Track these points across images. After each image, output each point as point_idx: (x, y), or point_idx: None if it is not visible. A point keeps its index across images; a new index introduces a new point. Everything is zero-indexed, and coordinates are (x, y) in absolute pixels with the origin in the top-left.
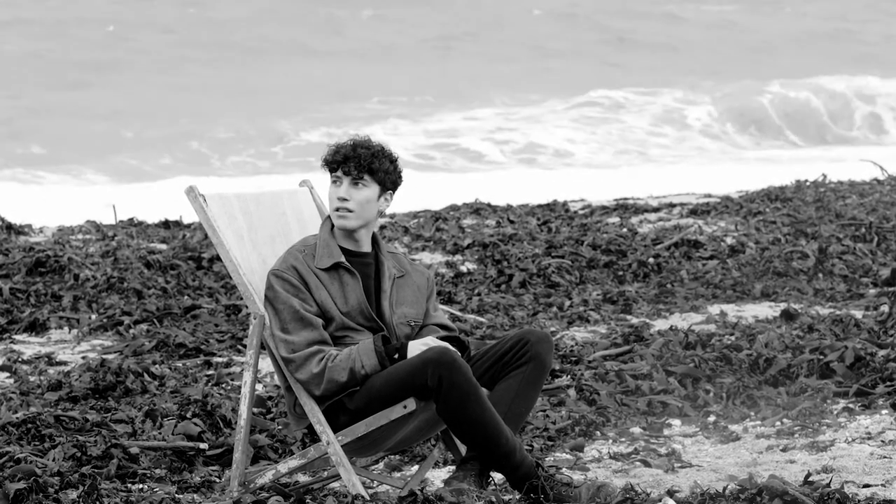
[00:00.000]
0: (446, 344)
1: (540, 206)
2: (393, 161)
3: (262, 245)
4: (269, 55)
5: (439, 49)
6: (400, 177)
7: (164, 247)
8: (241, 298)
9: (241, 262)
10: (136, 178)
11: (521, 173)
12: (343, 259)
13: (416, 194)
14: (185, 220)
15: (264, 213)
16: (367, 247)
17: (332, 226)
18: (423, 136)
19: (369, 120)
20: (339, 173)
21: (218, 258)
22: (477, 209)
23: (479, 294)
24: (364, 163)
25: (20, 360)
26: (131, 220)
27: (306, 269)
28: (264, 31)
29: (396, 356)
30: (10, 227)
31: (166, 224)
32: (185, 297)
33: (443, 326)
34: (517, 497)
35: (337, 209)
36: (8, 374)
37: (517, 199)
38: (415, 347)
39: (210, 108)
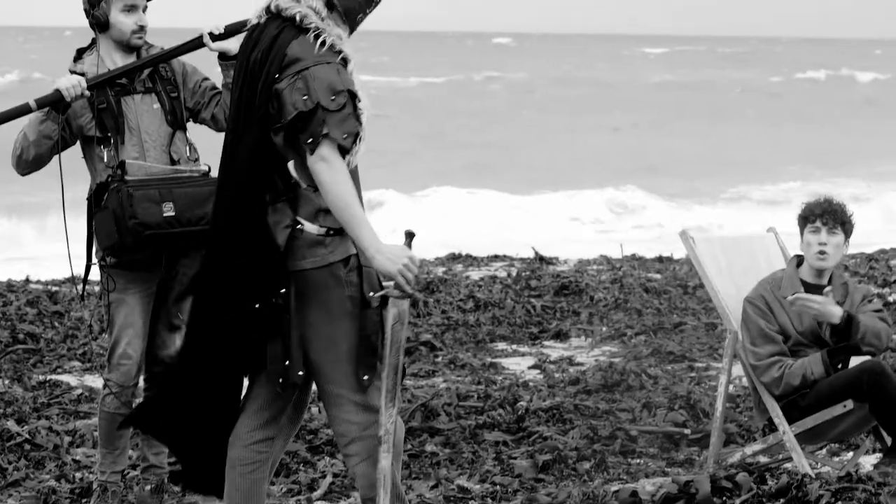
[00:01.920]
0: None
1: None
2: (851, 215)
3: (737, 277)
4: None
5: None
6: (853, 227)
7: (658, 276)
8: (719, 318)
9: (720, 289)
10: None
11: None
12: (802, 292)
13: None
14: (675, 256)
15: (740, 252)
16: (825, 280)
17: (798, 264)
18: None
19: None
20: (817, 224)
21: (700, 286)
22: None
23: None
24: (838, 216)
25: (548, 360)
26: (633, 255)
27: (772, 298)
28: None
29: (840, 366)
30: (542, 259)
31: (660, 259)
32: (674, 315)
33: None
34: None
35: (818, 252)
36: (539, 371)
37: None
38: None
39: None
